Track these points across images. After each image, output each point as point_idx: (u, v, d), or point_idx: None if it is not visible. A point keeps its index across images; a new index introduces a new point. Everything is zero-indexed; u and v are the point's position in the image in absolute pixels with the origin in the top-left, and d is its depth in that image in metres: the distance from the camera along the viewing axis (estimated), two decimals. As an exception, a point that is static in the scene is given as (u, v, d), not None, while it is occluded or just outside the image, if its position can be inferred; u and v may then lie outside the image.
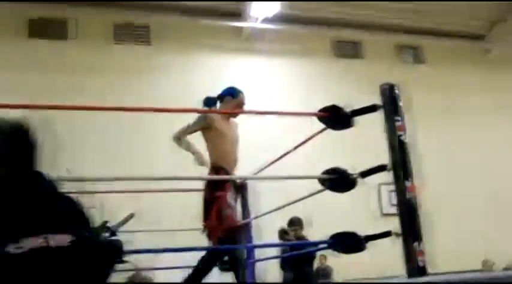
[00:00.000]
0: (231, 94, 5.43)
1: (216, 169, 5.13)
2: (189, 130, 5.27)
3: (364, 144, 11.63)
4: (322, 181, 3.96)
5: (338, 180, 3.91)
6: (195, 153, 5.27)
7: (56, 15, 12.48)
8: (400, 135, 3.67)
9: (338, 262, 10.25)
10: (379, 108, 3.76)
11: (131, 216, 6.66)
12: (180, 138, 5.30)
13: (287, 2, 13.01)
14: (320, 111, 3.94)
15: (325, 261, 11.04)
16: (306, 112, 4.02)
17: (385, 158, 3.74)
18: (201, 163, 5.22)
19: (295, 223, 8.12)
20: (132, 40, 13.10)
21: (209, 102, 5.41)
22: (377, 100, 3.83)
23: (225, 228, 4.86)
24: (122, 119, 10.96)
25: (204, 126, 5.21)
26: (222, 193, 4.95)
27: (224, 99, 5.43)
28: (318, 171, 4.11)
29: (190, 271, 5.05)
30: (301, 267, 7.49)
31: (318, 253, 9.75)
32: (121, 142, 11.57)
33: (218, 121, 5.25)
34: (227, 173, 5.12)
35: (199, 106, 5.49)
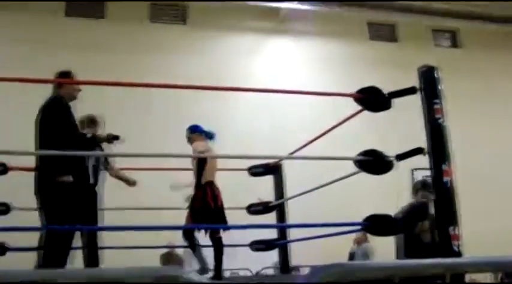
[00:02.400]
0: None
1: None
2: None
3: (396, 128, 11.59)
4: (358, 163, 3.95)
5: (374, 162, 3.89)
6: None
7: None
8: (438, 118, 3.64)
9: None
10: (417, 91, 3.74)
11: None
12: None
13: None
14: (358, 92, 3.92)
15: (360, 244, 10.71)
16: (344, 93, 4.00)
17: (419, 143, 3.73)
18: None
19: (428, 186, 6.59)
20: (168, 19, 13.17)
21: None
22: (411, 83, 3.81)
23: None
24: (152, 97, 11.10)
25: None
26: None
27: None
28: (351, 154, 4.10)
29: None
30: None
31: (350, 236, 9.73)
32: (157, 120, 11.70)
33: None
34: None
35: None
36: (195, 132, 6.40)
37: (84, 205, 5.40)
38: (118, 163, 6.40)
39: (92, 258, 5.60)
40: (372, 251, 10.32)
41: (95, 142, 5.77)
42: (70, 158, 4.73)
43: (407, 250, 6.16)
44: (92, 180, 5.82)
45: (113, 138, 5.72)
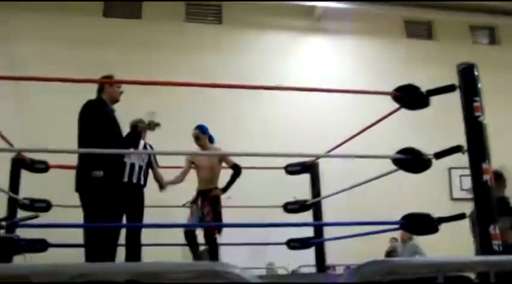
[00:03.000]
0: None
1: None
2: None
3: (433, 126, 11.48)
4: (396, 161, 3.92)
5: (412, 161, 3.86)
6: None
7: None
8: (478, 116, 3.60)
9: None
10: (456, 88, 3.69)
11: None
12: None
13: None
14: (396, 90, 3.89)
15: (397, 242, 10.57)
16: (382, 92, 3.97)
17: (456, 141, 3.69)
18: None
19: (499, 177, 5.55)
20: (204, 18, 13.26)
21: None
22: (448, 81, 3.76)
23: None
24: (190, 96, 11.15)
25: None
26: None
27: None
28: (386, 152, 4.08)
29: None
30: None
31: (385, 235, 9.62)
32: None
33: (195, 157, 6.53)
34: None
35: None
36: (205, 134, 6.49)
37: (124, 203, 5.49)
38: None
39: (132, 256, 5.68)
40: (420, 250, 10.08)
41: (135, 139, 5.85)
42: (102, 156, 4.80)
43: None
44: (134, 179, 5.90)
45: (154, 125, 5.86)
